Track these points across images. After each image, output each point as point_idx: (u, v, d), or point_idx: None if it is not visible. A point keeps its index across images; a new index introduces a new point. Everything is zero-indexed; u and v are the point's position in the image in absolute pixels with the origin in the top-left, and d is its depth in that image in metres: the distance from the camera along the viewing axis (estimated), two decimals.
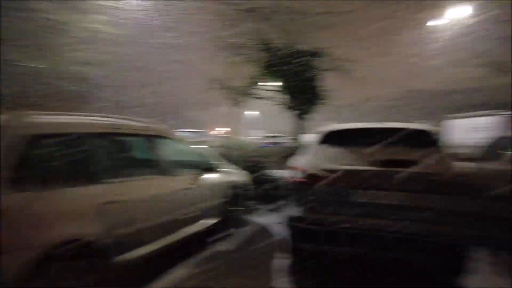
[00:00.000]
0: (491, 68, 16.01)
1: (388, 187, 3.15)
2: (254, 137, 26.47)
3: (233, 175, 5.13)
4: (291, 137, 9.71)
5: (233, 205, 4.84)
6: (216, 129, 38.26)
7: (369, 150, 3.34)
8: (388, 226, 3.05)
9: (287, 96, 9.32)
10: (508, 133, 5.99)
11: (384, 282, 3.27)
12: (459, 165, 3.38)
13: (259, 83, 9.94)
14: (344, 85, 9.48)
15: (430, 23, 15.18)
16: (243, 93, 9.68)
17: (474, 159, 6.02)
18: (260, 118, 37.39)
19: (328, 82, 9.40)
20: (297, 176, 3.49)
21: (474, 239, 2.98)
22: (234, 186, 4.91)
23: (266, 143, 18.14)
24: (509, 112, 13.55)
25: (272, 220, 5.15)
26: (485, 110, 14.85)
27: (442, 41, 14.34)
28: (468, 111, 16.12)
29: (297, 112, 9.39)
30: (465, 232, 2.95)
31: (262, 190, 5.74)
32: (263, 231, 5.04)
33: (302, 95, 8.81)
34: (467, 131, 13.72)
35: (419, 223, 3.03)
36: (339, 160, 3.43)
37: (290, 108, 9.42)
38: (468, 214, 2.98)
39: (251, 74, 9.44)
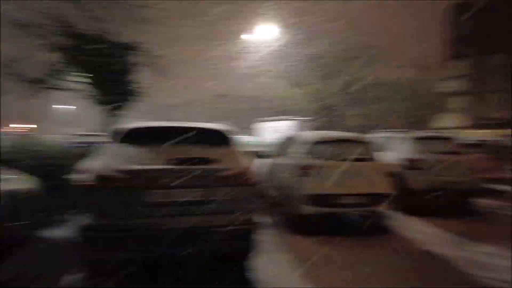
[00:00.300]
0: (288, 81, 19.57)
1: (183, 184, 3.18)
2: (65, 135, 22.96)
3: (13, 183, 4.17)
4: (106, 136, 8.80)
5: (11, 219, 3.91)
6: (13, 125, 31.07)
7: (166, 148, 3.32)
8: (183, 223, 3.10)
9: (97, 90, 8.37)
10: (294, 134, 7.30)
11: (183, 278, 3.34)
12: (252, 161, 3.82)
13: (64, 73, 8.53)
14: (161, 84, 9.35)
15: (243, 36, 17.08)
16: (40, 83, 8.05)
17: (270, 156, 7.11)
18: (76, 114, 32.67)
19: (144, 79, 9.03)
20: (88, 179, 3.11)
21: (253, 223, 3.39)
22: (13, 196, 3.99)
23: (78, 142, 16.03)
24: (300, 118, 17.02)
25: (63, 232, 4.52)
26: (284, 115, 18.06)
27: (252, 54, 16.42)
28: (272, 116, 19.25)
29: (109, 108, 8.57)
30: (247, 218, 3.32)
31: (56, 198, 4.91)
32: (52, 246, 4.36)
33: (114, 90, 8.12)
34: (271, 132, 16.24)
35: (211, 215, 3.22)
36: (135, 160, 3.26)
37: (101, 103, 8.50)
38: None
39: (52, 62, 7.99)
